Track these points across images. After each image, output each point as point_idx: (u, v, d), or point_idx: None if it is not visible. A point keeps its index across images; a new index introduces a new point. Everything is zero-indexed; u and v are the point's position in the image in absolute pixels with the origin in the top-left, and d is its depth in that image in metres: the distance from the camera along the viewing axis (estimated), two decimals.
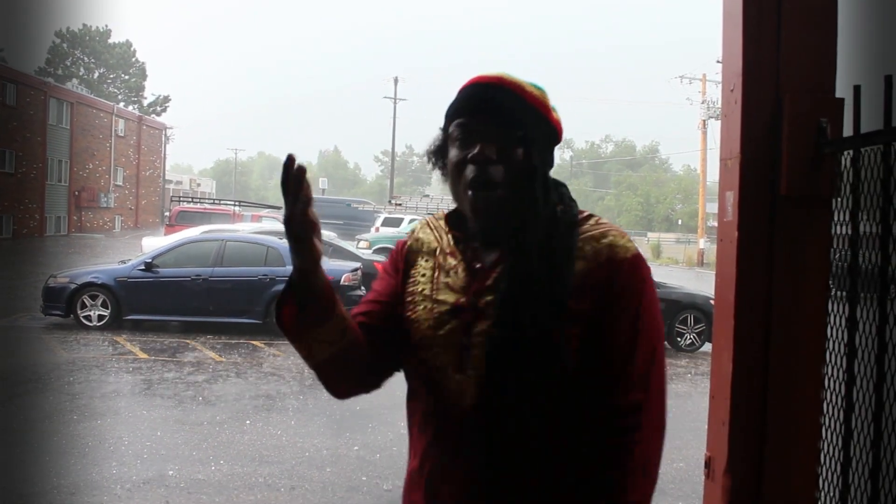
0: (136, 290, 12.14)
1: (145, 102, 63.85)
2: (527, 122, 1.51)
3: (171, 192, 48.71)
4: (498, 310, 1.46)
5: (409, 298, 1.59)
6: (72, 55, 62.26)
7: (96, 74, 62.54)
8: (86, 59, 62.46)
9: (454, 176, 1.53)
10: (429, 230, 1.66)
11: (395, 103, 52.51)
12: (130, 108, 56.55)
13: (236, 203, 30.58)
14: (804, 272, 1.98)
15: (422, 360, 1.54)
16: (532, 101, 1.53)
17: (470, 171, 1.49)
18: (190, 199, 33.35)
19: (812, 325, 1.98)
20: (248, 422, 7.26)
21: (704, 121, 37.13)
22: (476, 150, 1.48)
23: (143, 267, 12.29)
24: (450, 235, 1.60)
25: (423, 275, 1.59)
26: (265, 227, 19.49)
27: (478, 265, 1.54)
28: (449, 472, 1.50)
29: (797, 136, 1.95)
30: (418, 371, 1.56)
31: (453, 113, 1.55)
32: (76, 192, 40.16)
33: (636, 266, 1.47)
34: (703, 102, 37.61)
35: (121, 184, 45.94)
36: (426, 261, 1.61)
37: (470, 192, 1.49)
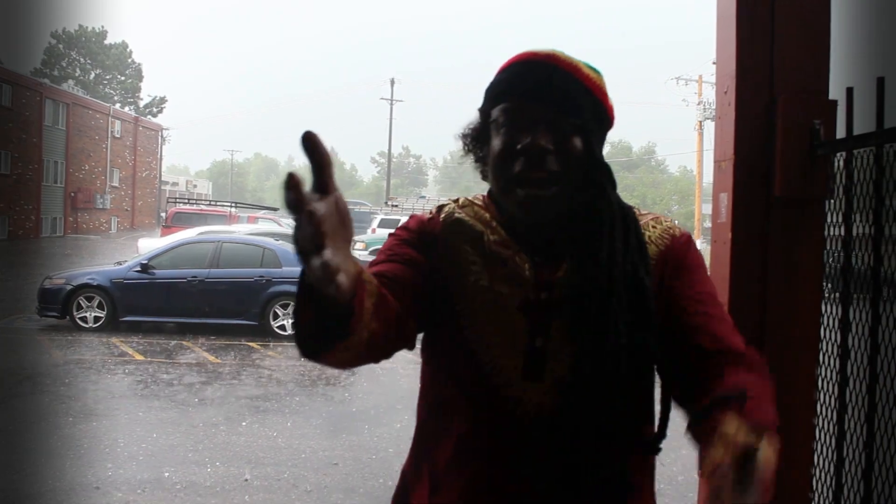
0: (132, 292, 12.12)
1: (141, 104, 63.75)
2: (585, 108, 1.33)
3: (168, 194, 48.65)
4: (582, 308, 1.28)
5: (458, 290, 1.35)
6: (68, 56, 62.14)
7: (92, 75, 62.43)
8: (82, 60, 62.35)
9: (498, 168, 1.34)
10: (465, 215, 1.42)
11: (391, 105, 52.52)
12: (126, 109, 56.47)
13: (232, 204, 30.55)
14: (797, 273, 1.99)
15: (475, 364, 1.32)
16: (590, 85, 1.35)
17: (520, 163, 1.30)
18: (186, 201, 33.29)
19: (805, 326, 1.99)
20: (244, 423, 7.25)
21: (701, 122, 37.20)
22: (528, 140, 1.29)
23: (139, 268, 12.27)
24: (497, 223, 1.38)
25: (474, 262, 1.36)
26: (261, 229, 19.47)
27: (536, 259, 1.35)
28: (501, 490, 1.30)
29: (790, 138, 1.96)
30: (463, 376, 1.34)
31: (498, 94, 1.35)
32: (72, 194, 40.09)
33: (691, 239, 1.42)
34: (699, 104, 37.67)
35: (117, 185, 45.86)
36: (473, 247, 1.37)
37: (519, 190, 1.30)
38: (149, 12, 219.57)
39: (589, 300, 1.28)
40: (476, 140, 1.42)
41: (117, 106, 53.35)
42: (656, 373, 1.35)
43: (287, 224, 26.66)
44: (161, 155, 54.73)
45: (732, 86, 2.02)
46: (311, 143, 0.96)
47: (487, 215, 1.40)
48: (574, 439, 1.28)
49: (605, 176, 1.36)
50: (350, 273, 0.96)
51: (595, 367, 1.26)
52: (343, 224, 0.96)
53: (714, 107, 2.26)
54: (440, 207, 1.46)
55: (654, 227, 1.39)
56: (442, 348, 1.39)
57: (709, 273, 2.18)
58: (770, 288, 1.99)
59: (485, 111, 1.39)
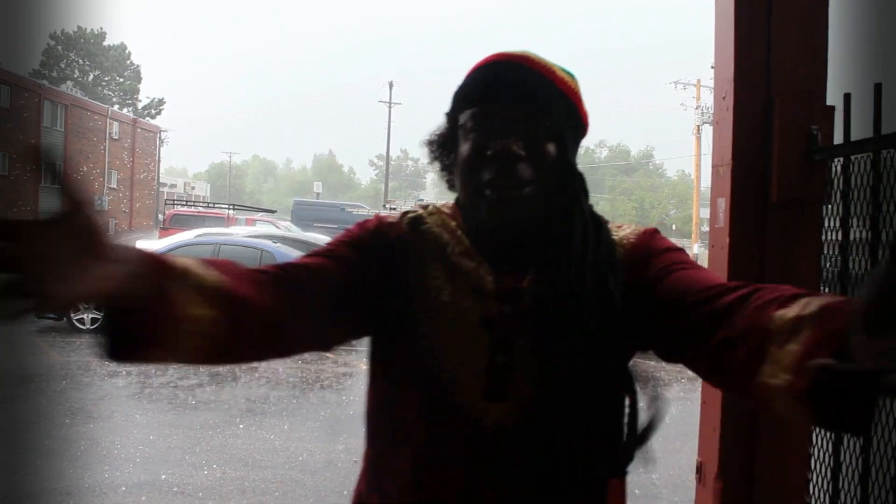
0: None
1: (140, 105, 63.77)
2: (560, 112, 1.26)
3: (166, 196, 48.63)
4: (548, 321, 1.20)
5: (419, 304, 1.26)
6: (66, 57, 62.14)
7: (91, 77, 62.43)
8: (80, 61, 62.35)
9: (466, 174, 1.26)
10: (432, 223, 1.34)
11: (389, 107, 52.54)
12: (125, 110, 56.47)
13: (230, 206, 30.54)
14: (795, 278, 1.99)
15: (435, 384, 1.23)
16: (564, 88, 1.28)
17: (490, 170, 1.21)
18: (184, 203, 33.30)
19: None
20: (240, 426, 7.24)
21: (699, 126, 37.24)
22: (499, 146, 1.20)
23: None
24: (462, 232, 1.31)
25: (436, 276, 1.28)
26: (259, 231, 19.46)
27: (501, 269, 1.27)
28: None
29: (788, 144, 1.97)
30: (421, 396, 1.25)
31: (467, 97, 1.28)
32: None
33: (657, 231, 1.32)
34: (697, 108, 37.72)
35: (115, 187, 45.85)
36: (436, 258, 1.29)
37: (489, 192, 1.22)
38: (148, 13, 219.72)
39: (555, 312, 1.20)
40: (442, 147, 1.34)
41: (116, 107, 53.34)
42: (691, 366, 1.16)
43: (284, 227, 26.66)
44: (159, 157, 54.75)
45: (731, 91, 2.03)
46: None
47: (454, 223, 1.32)
48: (539, 461, 1.19)
49: (578, 184, 1.29)
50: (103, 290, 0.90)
51: (562, 384, 1.18)
52: (82, 243, 0.90)
53: (712, 111, 2.27)
54: (405, 213, 1.38)
55: (620, 230, 1.32)
56: (398, 366, 1.29)
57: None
58: None
59: (452, 116, 1.31)
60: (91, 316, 11.96)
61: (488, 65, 1.29)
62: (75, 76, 61.06)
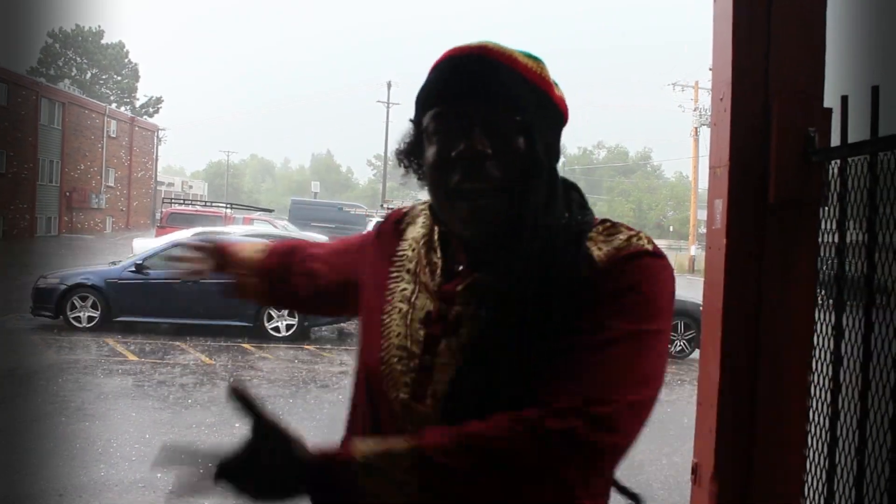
0: (126, 292, 12.10)
1: (137, 104, 63.74)
2: (527, 104, 1.18)
3: (163, 194, 48.61)
4: (471, 337, 1.17)
5: (383, 301, 1.30)
6: (64, 55, 62.12)
7: (88, 75, 62.41)
8: (78, 59, 62.33)
9: (433, 181, 1.20)
10: (422, 219, 1.37)
11: (388, 108, 52.50)
12: (122, 109, 56.42)
13: (228, 205, 30.51)
14: (792, 280, 1.99)
15: (376, 376, 1.26)
16: (530, 76, 1.20)
17: (457, 172, 1.15)
18: (182, 201, 33.26)
19: (799, 333, 2.00)
20: (237, 425, 7.22)
21: (696, 128, 37.32)
22: (463, 147, 1.14)
23: (133, 268, 12.25)
24: (438, 230, 1.30)
25: (409, 270, 1.30)
26: (257, 230, 19.45)
27: (459, 267, 1.25)
28: None
29: (785, 145, 1.97)
30: (367, 386, 1.30)
31: (427, 99, 1.21)
32: (67, 193, 40.05)
33: (640, 261, 1.16)
34: (695, 110, 37.79)
35: (112, 185, 45.82)
36: (413, 253, 1.32)
37: (460, 203, 1.16)
38: (147, 12, 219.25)
39: (481, 316, 1.16)
40: (411, 154, 1.27)
41: (113, 106, 53.28)
42: None
43: (282, 226, 26.63)
44: (157, 155, 54.74)
45: (728, 93, 2.03)
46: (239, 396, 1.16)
47: (431, 222, 1.32)
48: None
49: (543, 180, 1.19)
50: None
51: (470, 389, 1.14)
52: None
53: (710, 113, 2.27)
54: (412, 206, 1.42)
55: (605, 242, 1.19)
56: (359, 355, 1.35)
57: (703, 279, 2.19)
58: (764, 294, 2.00)
59: (416, 120, 1.25)
60: (87, 314, 11.94)
61: (445, 62, 1.21)
62: (73, 74, 61.04)
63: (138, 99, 64.61)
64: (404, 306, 1.27)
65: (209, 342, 11.58)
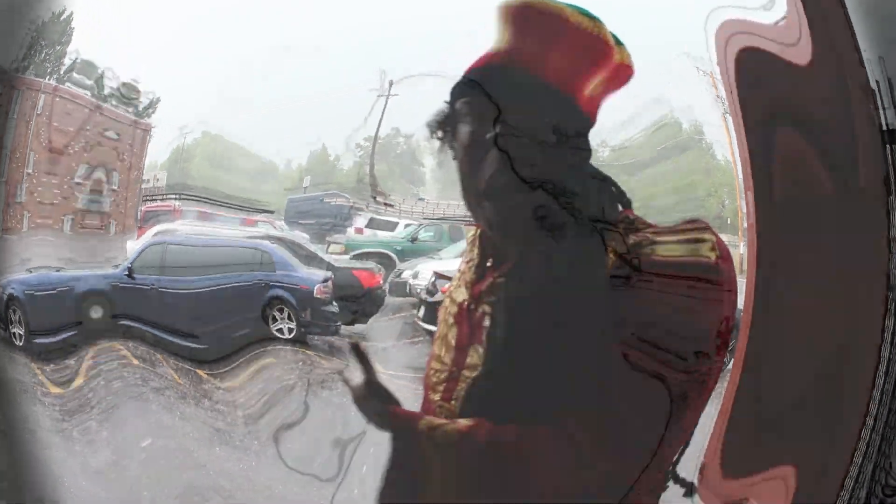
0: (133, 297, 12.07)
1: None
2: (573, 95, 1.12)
3: (143, 191, 48.56)
4: (491, 338, 1.14)
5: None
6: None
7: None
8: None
9: (465, 170, 1.13)
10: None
11: (386, 100, 52.70)
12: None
13: (177, 196, 30.09)
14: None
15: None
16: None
17: (488, 170, 1.09)
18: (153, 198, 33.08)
19: None
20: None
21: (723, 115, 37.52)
22: (496, 136, 1.08)
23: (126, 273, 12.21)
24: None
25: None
26: (259, 232, 19.44)
27: (488, 263, 1.18)
28: None
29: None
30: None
31: (459, 77, 1.14)
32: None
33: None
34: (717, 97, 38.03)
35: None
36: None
37: (487, 203, 1.11)
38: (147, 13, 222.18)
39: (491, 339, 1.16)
40: (444, 127, 1.19)
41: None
42: None
43: (281, 227, 26.57)
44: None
45: None
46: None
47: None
48: None
49: (582, 178, 1.13)
50: None
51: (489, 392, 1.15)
52: None
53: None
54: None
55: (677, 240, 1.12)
56: None
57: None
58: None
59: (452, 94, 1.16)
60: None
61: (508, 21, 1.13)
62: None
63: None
64: (446, 300, 1.22)
65: None
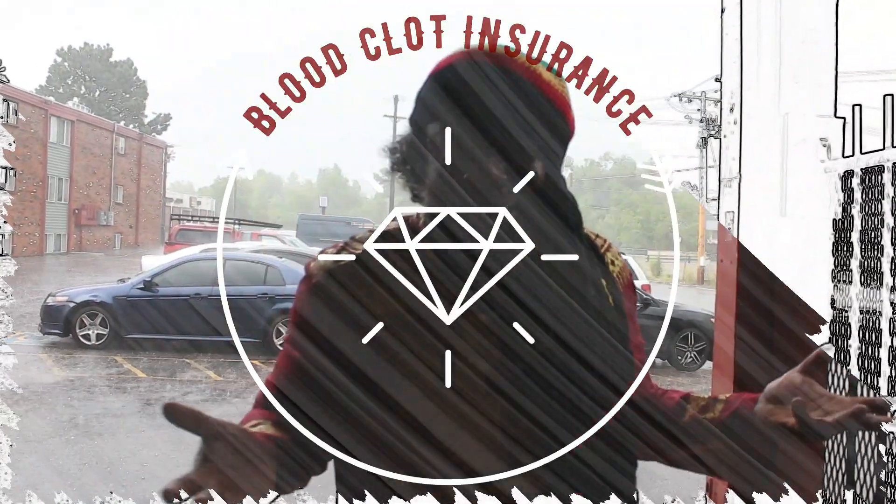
0: (135, 309, 12.11)
1: (146, 121, 64.08)
2: (548, 126, 1.07)
3: (171, 210, 48.74)
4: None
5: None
6: (73, 74, 62.56)
7: (97, 93, 62.81)
8: (87, 77, 62.75)
9: (436, 199, 1.09)
10: None
11: (395, 122, 52.65)
12: (131, 126, 56.76)
13: (236, 221, 30.59)
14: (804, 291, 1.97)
15: None
16: (552, 97, 1.09)
17: (463, 198, 1.04)
18: (190, 218, 33.37)
19: (814, 346, 1.97)
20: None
21: (704, 139, 37.28)
22: (476, 170, 1.02)
23: (142, 285, 12.27)
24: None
25: None
26: (265, 246, 19.48)
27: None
28: None
29: (798, 156, 1.94)
30: None
31: (434, 103, 1.08)
32: (76, 211, 40.21)
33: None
34: (701, 121, 37.77)
35: (121, 202, 45.98)
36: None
37: (463, 226, 1.06)
38: (154, 31, 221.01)
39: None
40: (405, 159, 1.15)
41: (122, 123, 53.61)
42: None
43: (290, 241, 26.66)
44: (165, 172, 54.93)
45: (738, 104, 2.01)
46: (172, 414, 1.10)
47: None
48: None
49: (569, 209, 1.12)
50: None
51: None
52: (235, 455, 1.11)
53: (717, 124, 2.24)
54: None
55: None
56: None
57: (715, 292, 2.16)
58: (777, 306, 1.97)
59: (415, 120, 1.12)
60: (96, 332, 11.96)
61: (462, 62, 1.07)
62: (81, 92, 61.45)
63: (147, 116, 64.96)
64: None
65: (218, 358, 11.56)
